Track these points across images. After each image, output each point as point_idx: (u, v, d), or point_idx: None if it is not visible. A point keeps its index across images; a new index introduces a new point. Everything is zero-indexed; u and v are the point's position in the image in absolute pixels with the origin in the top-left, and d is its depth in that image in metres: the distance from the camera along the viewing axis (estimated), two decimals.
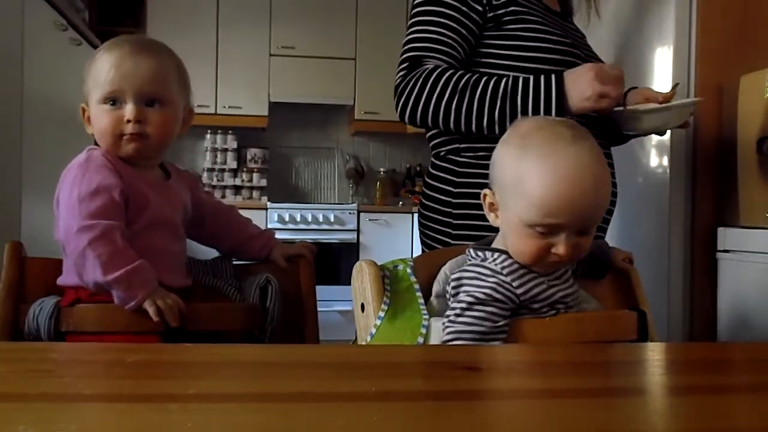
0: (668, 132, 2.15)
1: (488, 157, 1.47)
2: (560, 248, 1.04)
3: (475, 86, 1.40)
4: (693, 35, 2.13)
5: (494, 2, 1.48)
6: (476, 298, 1.05)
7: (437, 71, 1.42)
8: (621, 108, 1.44)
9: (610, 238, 2.15)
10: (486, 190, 1.13)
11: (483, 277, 1.07)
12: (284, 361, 0.80)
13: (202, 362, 0.78)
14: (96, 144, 1.28)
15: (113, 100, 1.23)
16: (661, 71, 2.19)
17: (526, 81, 1.40)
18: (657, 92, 1.50)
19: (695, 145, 2.14)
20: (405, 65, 1.47)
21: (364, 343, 1.13)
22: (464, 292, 1.07)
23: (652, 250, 2.16)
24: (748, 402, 0.67)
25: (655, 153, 2.22)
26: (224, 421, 0.56)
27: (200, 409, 0.58)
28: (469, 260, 1.13)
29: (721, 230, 2.04)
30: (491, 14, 1.48)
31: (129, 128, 1.23)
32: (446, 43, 1.46)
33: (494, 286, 1.06)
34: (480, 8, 1.47)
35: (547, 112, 1.36)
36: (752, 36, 2.12)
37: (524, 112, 1.37)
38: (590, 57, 1.59)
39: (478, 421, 0.58)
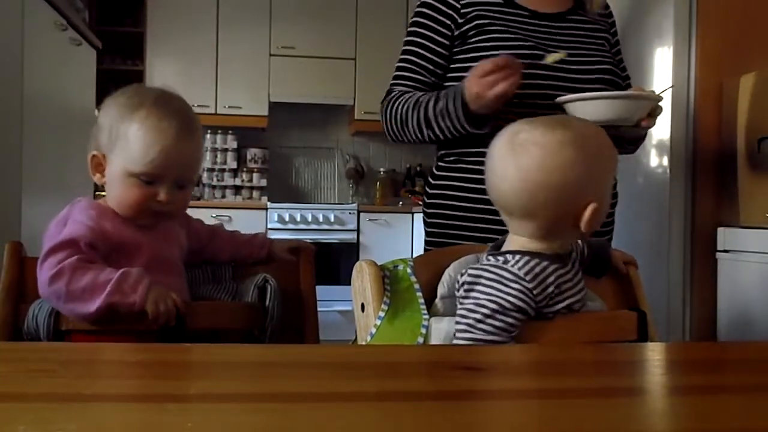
0: (668, 132, 2.16)
1: (459, 161, 1.55)
2: None
3: (415, 108, 1.53)
4: (693, 35, 2.13)
5: (459, 20, 1.55)
6: (500, 306, 1.03)
7: (394, 98, 1.58)
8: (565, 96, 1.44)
9: (613, 238, 2.15)
10: None
11: (506, 282, 1.05)
12: (284, 361, 0.80)
13: (202, 362, 0.78)
14: (97, 187, 1.27)
15: (149, 180, 1.21)
16: (661, 71, 2.20)
17: (446, 100, 1.47)
18: (641, 91, 1.49)
19: (695, 144, 2.14)
20: (386, 92, 1.64)
21: (364, 343, 1.13)
22: (485, 295, 1.05)
23: (652, 250, 2.16)
24: (748, 402, 0.67)
25: (655, 153, 2.22)
26: (224, 421, 0.56)
27: (200, 409, 0.58)
28: (487, 261, 1.12)
29: (721, 230, 2.04)
30: (458, 31, 1.56)
31: (158, 207, 1.23)
32: (413, 69, 1.60)
33: (518, 294, 1.04)
34: (446, 31, 1.56)
35: (459, 120, 1.46)
36: (752, 36, 2.13)
37: (445, 130, 1.49)
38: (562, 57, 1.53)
39: (478, 421, 0.58)
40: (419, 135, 1.54)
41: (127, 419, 0.56)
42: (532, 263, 1.06)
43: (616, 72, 1.61)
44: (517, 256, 1.07)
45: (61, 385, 0.65)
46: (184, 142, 1.21)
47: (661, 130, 2.17)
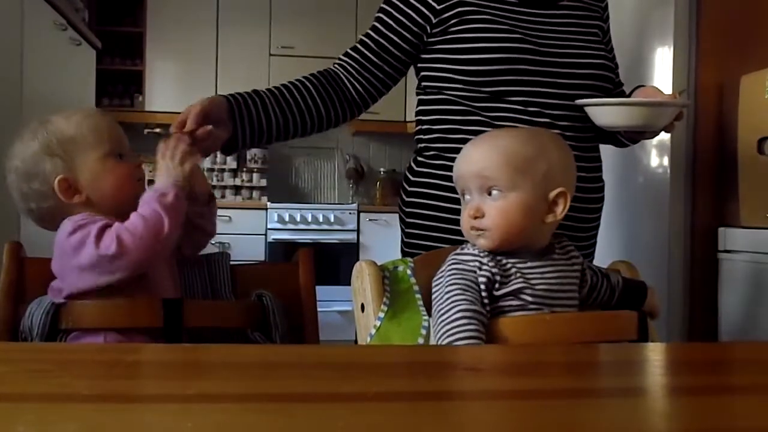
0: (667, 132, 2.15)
1: (438, 157, 1.50)
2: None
3: None
4: (693, 35, 2.13)
5: (438, 7, 1.46)
6: (457, 269, 1.10)
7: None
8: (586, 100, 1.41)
9: (612, 238, 2.15)
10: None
11: (462, 255, 1.12)
12: (284, 361, 0.80)
13: (202, 362, 0.78)
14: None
15: (120, 154, 1.27)
16: (661, 71, 2.20)
17: None
18: (659, 92, 1.46)
19: (695, 145, 2.14)
20: None
21: (364, 343, 1.13)
22: (443, 273, 1.12)
23: (652, 250, 2.16)
24: (748, 402, 0.67)
25: (655, 153, 2.22)
26: (224, 421, 0.56)
27: (200, 409, 0.58)
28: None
29: (721, 230, 2.04)
30: (437, 19, 1.46)
31: (140, 175, 1.31)
32: (365, 44, 1.52)
33: (473, 258, 1.10)
34: (422, 20, 1.47)
35: None
36: (752, 36, 2.12)
37: None
38: (549, 47, 1.45)
39: (478, 422, 0.58)
40: None
41: (126, 419, 0.56)
42: (484, 252, 1.11)
43: (609, 66, 1.53)
44: (472, 246, 1.13)
45: (60, 385, 0.65)
46: (108, 116, 1.34)
47: None
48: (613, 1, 1.65)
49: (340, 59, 1.56)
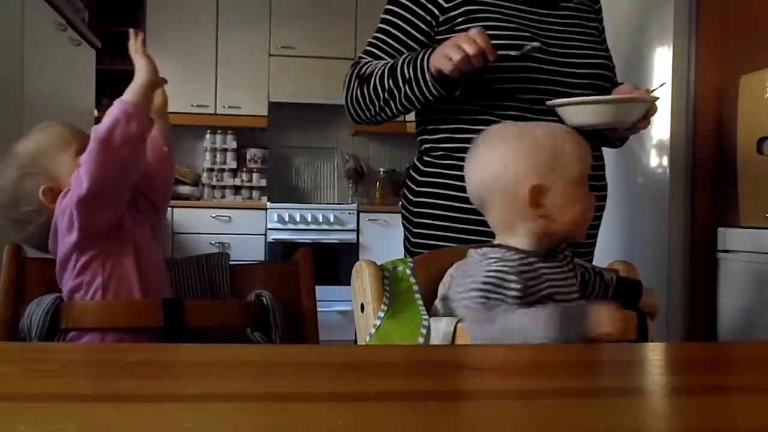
0: (667, 132, 2.16)
1: (447, 157, 1.49)
2: None
3: (372, 71, 1.48)
4: (693, 35, 2.13)
5: (445, 5, 1.47)
6: (483, 284, 1.06)
7: (363, 63, 1.52)
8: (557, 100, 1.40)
9: (612, 238, 2.15)
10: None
11: (488, 262, 1.08)
12: (284, 361, 0.80)
13: (202, 362, 0.78)
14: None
15: None
16: (661, 71, 2.20)
17: (407, 55, 1.43)
18: (633, 89, 1.45)
19: (695, 145, 2.14)
20: (351, 65, 1.56)
21: (364, 343, 1.13)
22: (472, 282, 1.07)
23: (651, 250, 2.16)
24: (747, 402, 0.67)
25: (655, 153, 2.22)
26: (224, 421, 0.56)
27: (200, 409, 0.58)
28: (470, 260, 1.12)
29: (721, 230, 2.04)
30: (444, 17, 1.48)
31: None
32: (383, 49, 1.52)
33: (501, 267, 1.07)
34: (429, 17, 1.48)
35: (418, 77, 1.39)
36: (752, 36, 2.13)
37: (405, 81, 1.41)
38: (556, 46, 1.47)
39: (478, 421, 0.58)
40: (385, 100, 1.46)
41: (126, 419, 0.56)
42: (509, 253, 1.09)
43: (609, 66, 1.55)
44: (496, 249, 1.10)
45: (61, 385, 0.65)
46: (66, 123, 1.38)
47: (660, 130, 2.17)
48: (613, 1, 1.65)
49: (363, 59, 1.55)
